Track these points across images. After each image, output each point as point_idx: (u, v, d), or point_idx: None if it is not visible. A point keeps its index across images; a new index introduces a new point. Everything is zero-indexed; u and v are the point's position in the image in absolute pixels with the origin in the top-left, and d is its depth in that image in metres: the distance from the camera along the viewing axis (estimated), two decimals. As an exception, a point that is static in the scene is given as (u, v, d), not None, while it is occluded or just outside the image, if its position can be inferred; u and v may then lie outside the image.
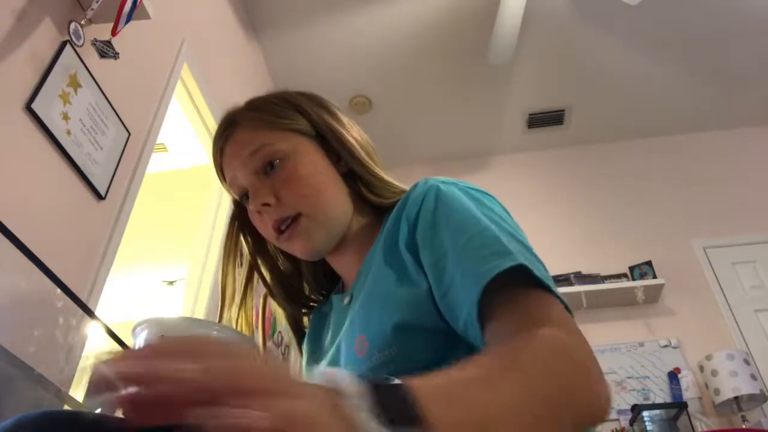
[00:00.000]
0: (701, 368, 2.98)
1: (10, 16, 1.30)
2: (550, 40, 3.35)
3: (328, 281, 0.92)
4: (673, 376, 3.05)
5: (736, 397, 2.81)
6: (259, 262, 0.88)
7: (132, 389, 0.29)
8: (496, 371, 0.44)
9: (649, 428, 2.79)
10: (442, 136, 3.98)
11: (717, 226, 3.55)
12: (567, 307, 0.58)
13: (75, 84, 1.47)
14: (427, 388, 0.37)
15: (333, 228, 0.78)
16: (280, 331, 2.70)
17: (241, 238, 0.88)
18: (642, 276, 3.34)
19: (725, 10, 3.20)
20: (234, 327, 0.82)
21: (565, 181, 3.92)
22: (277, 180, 0.76)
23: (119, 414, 0.38)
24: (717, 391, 2.83)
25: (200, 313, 2.26)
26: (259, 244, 0.88)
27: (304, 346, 0.91)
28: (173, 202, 3.56)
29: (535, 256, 0.61)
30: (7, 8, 1.30)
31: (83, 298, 1.42)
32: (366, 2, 3.10)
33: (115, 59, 1.59)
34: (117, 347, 1.55)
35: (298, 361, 0.93)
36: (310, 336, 0.90)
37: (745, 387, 2.76)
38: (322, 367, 0.78)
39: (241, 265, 0.87)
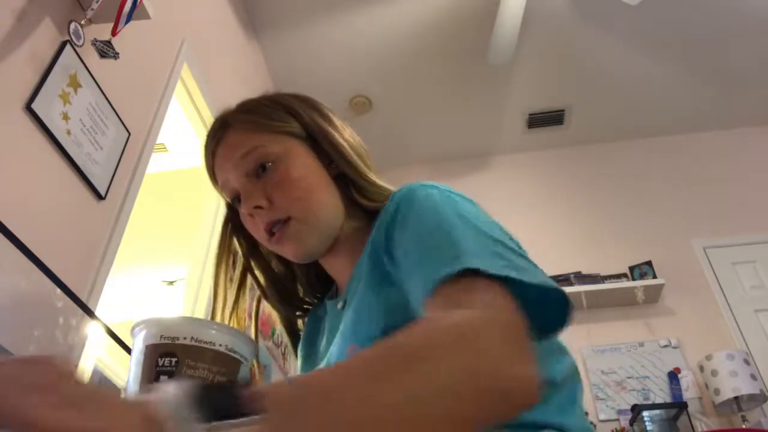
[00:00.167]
0: (701, 368, 2.98)
1: (10, 16, 1.30)
2: (550, 40, 3.35)
3: (323, 284, 0.91)
4: (673, 376, 3.05)
5: (736, 397, 2.81)
6: (253, 264, 0.88)
7: None
8: (368, 367, 0.42)
9: (649, 428, 2.79)
10: (442, 136, 3.98)
11: (717, 226, 3.55)
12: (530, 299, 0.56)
13: (75, 84, 1.47)
14: (280, 388, 0.40)
15: (324, 231, 0.78)
16: (279, 333, 2.71)
17: (235, 240, 0.88)
18: (642, 276, 3.34)
19: (725, 10, 3.20)
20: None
21: (565, 181, 3.92)
22: (269, 183, 0.76)
23: None
24: (717, 391, 2.83)
25: (200, 313, 2.26)
26: (252, 247, 0.88)
27: (299, 350, 0.91)
28: (173, 202, 3.56)
29: (510, 248, 0.60)
30: (7, 8, 1.30)
31: (83, 298, 1.42)
32: (366, 2, 3.10)
33: (115, 59, 1.59)
34: (117, 347, 1.55)
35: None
36: (305, 340, 0.90)
37: (745, 387, 2.76)
38: None
39: (234, 267, 0.87)
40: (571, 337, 3.27)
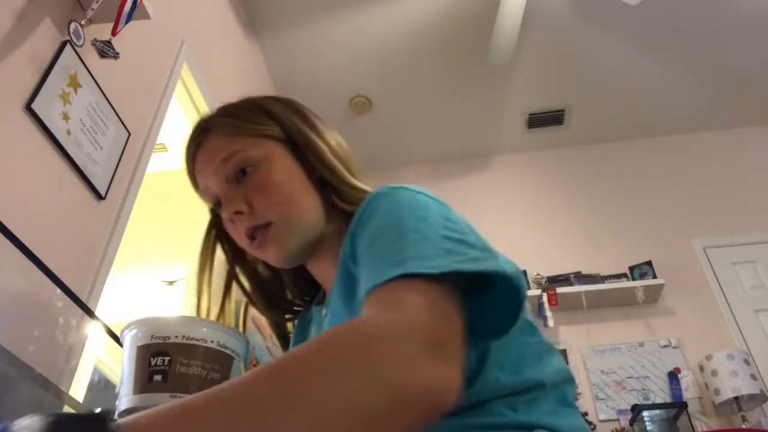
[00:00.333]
0: (701, 368, 2.98)
1: (10, 16, 1.30)
2: (550, 40, 3.35)
3: (312, 287, 0.90)
4: (673, 376, 3.05)
5: (736, 397, 2.81)
6: (238, 270, 0.87)
7: None
8: (245, 390, 0.39)
9: (649, 428, 2.79)
10: (442, 136, 3.98)
11: (717, 226, 3.55)
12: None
13: (75, 84, 1.47)
14: (142, 419, 0.37)
15: (305, 235, 0.77)
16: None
17: (219, 246, 0.87)
18: (642, 276, 3.34)
19: (725, 10, 3.20)
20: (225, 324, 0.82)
21: (565, 181, 3.92)
22: (249, 187, 0.76)
23: None
24: (717, 391, 2.83)
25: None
26: (236, 252, 0.87)
27: None
28: (173, 202, 3.55)
29: (468, 243, 0.58)
30: (7, 8, 1.30)
31: (83, 298, 1.42)
32: (366, 2, 3.10)
33: (115, 59, 1.59)
34: (117, 347, 1.55)
35: None
36: (295, 344, 0.89)
37: (745, 387, 2.76)
38: None
39: (210, 272, 0.85)
40: (571, 337, 3.28)
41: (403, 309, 0.48)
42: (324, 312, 0.78)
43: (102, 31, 1.56)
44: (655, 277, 3.31)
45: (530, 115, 3.85)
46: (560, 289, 3.27)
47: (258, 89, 3.25)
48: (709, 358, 2.92)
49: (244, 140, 0.78)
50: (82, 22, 1.49)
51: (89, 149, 1.51)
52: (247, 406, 0.38)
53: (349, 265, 0.66)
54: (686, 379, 3.01)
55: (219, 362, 0.70)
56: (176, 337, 0.68)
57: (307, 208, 0.77)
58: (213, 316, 0.83)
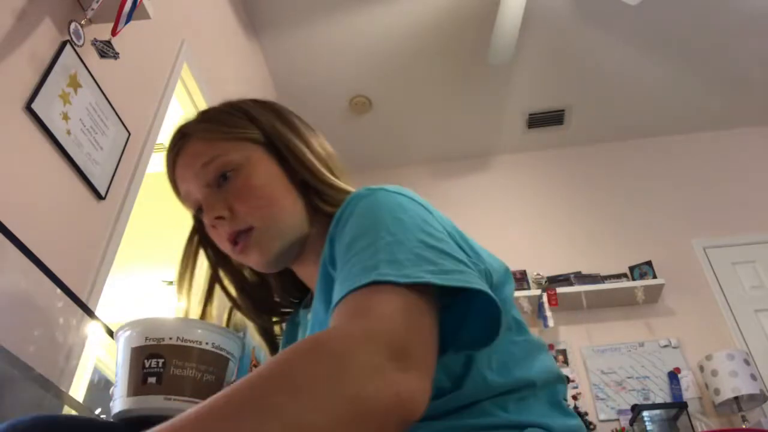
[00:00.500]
0: (701, 368, 2.98)
1: (10, 16, 1.30)
2: (550, 40, 3.35)
3: (301, 289, 0.89)
4: (673, 376, 3.05)
5: (736, 397, 2.81)
6: (222, 275, 0.86)
7: None
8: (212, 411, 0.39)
9: (649, 428, 2.79)
10: (442, 136, 3.98)
11: (717, 226, 3.55)
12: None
13: (75, 84, 1.47)
14: None
15: (287, 239, 0.76)
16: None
17: (203, 251, 0.86)
18: (642, 276, 3.34)
19: (725, 10, 3.20)
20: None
21: (565, 181, 3.92)
22: (230, 192, 0.75)
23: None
24: (717, 391, 2.83)
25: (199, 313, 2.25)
26: (221, 257, 0.86)
27: None
28: (173, 202, 3.55)
29: (445, 252, 0.56)
30: (7, 8, 1.30)
31: (83, 298, 1.42)
32: (366, 2, 3.10)
33: (115, 59, 1.59)
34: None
35: None
36: (285, 347, 0.87)
37: (745, 387, 2.76)
38: None
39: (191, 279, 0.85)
40: (571, 337, 3.28)
41: (370, 318, 0.48)
42: (309, 315, 0.77)
43: (102, 31, 1.56)
44: (655, 277, 3.31)
45: (530, 115, 3.85)
46: (560, 289, 3.27)
47: (258, 89, 3.26)
48: (709, 358, 2.92)
49: (224, 144, 0.77)
50: (82, 22, 1.50)
51: (89, 149, 1.51)
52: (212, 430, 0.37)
53: (328, 269, 0.65)
54: (686, 379, 3.00)
55: (214, 364, 0.69)
56: (170, 338, 0.67)
57: (289, 212, 0.76)
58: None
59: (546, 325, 3.16)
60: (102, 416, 1.42)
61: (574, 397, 3.04)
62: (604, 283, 3.32)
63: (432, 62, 3.44)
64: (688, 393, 2.95)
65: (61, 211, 1.41)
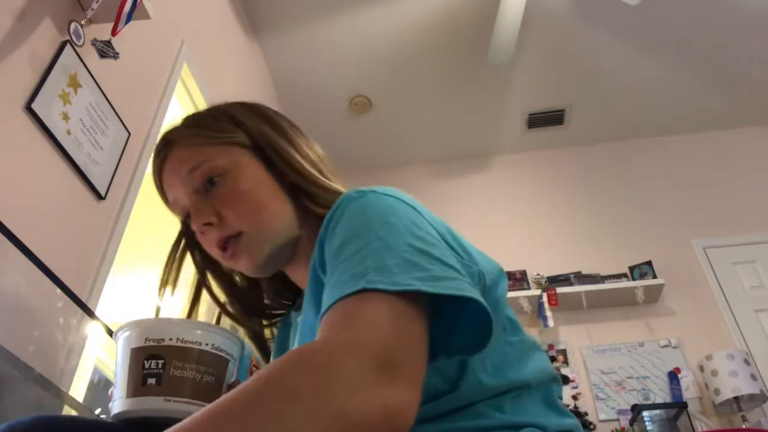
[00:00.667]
0: (701, 368, 2.98)
1: (10, 16, 1.30)
2: (550, 40, 3.35)
3: (294, 292, 0.88)
4: (673, 376, 3.05)
5: (736, 397, 2.81)
6: (211, 279, 0.86)
7: None
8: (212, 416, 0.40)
9: (649, 428, 2.79)
10: (442, 136, 3.98)
11: (717, 226, 3.55)
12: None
13: (75, 84, 1.47)
14: None
15: (277, 243, 0.75)
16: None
17: (190, 256, 0.85)
18: (642, 276, 3.34)
19: (725, 10, 3.20)
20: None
21: (565, 181, 3.92)
22: (218, 198, 0.74)
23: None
24: (717, 391, 2.83)
25: (200, 313, 2.25)
26: (210, 263, 0.85)
27: (273, 359, 0.88)
28: (173, 202, 3.55)
29: (435, 258, 0.55)
30: (7, 8, 1.30)
31: (83, 298, 1.42)
32: (366, 2, 3.10)
33: (115, 59, 1.59)
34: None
35: None
36: (277, 348, 0.87)
37: (745, 387, 2.76)
38: None
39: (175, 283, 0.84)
40: (571, 337, 3.28)
41: (357, 327, 0.47)
42: (300, 318, 0.76)
43: (102, 31, 1.56)
44: (655, 277, 3.31)
45: (530, 115, 3.85)
46: (560, 289, 3.27)
47: (258, 89, 3.26)
48: (709, 358, 2.92)
49: (210, 149, 0.76)
50: (82, 22, 1.50)
51: (89, 149, 1.51)
52: None
53: (318, 273, 0.64)
54: (686, 379, 3.00)
55: (214, 365, 0.69)
56: (170, 339, 0.67)
57: (278, 216, 0.75)
58: None
59: (546, 325, 3.16)
60: (102, 416, 1.42)
61: (574, 397, 3.04)
62: (604, 283, 3.32)
63: (432, 62, 3.44)
64: (688, 393, 2.95)
65: (61, 211, 1.41)
